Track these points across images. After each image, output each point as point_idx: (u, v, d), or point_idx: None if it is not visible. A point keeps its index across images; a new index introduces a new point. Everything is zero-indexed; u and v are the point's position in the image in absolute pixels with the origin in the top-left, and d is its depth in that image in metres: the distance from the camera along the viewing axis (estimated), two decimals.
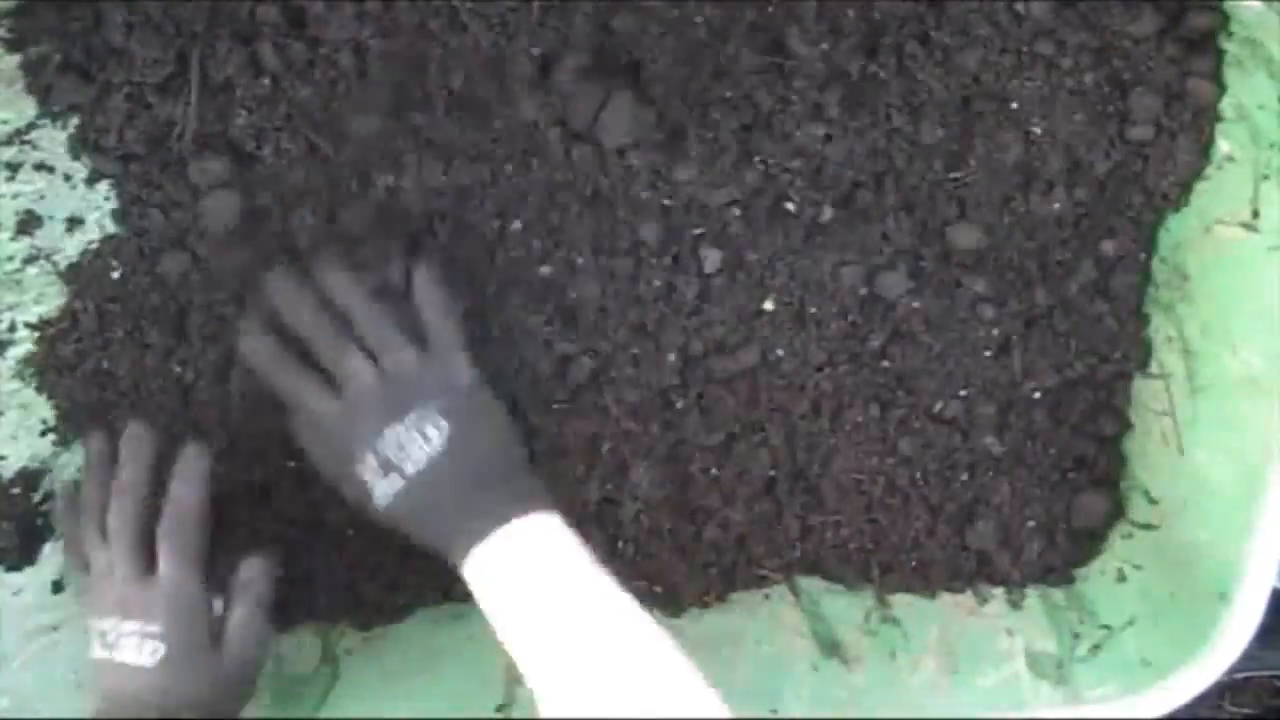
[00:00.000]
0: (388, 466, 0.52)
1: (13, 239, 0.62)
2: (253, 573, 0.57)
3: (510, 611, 0.50)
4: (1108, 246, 0.62)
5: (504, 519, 0.51)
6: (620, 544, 0.66)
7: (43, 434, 0.64)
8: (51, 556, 0.64)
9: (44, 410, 0.64)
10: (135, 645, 0.53)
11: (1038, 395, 0.64)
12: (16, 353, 0.63)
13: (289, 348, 0.55)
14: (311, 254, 0.57)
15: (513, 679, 0.64)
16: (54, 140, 0.61)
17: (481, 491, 0.52)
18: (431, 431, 0.52)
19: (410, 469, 0.51)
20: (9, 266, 0.62)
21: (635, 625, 0.49)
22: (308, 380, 0.54)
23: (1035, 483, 0.65)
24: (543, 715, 0.48)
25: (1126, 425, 0.65)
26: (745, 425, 0.64)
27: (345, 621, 0.67)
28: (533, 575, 0.50)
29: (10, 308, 0.63)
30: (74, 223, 0.62)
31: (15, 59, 0.59)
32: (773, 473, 0.65)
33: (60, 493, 0.61)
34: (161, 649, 0.53)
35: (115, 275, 0.62)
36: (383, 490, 0.52)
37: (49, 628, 0.64)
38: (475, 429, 0.53)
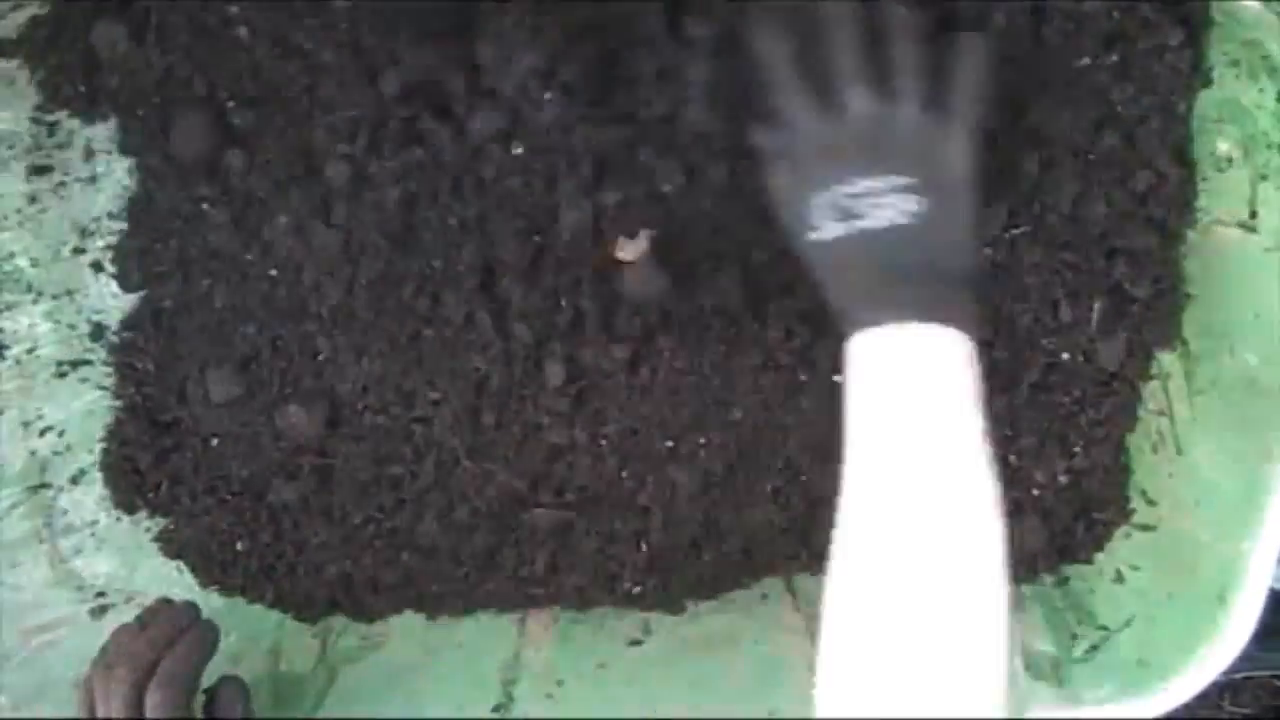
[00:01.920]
0: (845, 213, 0.48)
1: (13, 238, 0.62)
2: (230, 699, 0.57)
3: (870, 411, 0.47)
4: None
5: (918, 317, 0.46)
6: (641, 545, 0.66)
7: (42, 434, 0.65)
8: (51, 556, 0.65)
9: (44, 410, 0.64)
10: None
11: (1034, 395, 0.64)
12: (16, 352, 0.64)
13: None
14: None
15: (508, 679, 0.64)
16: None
17: (915, 283, 0.47)
18: (908, 204, 0.47)
19: (866, 224, 0.47)
20: (9, 266, 0.62)
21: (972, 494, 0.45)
22: (806, 88, 0.49)
23: (1034, 484, 0.65)
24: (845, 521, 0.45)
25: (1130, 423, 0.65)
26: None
27: (338, 614, 0.67)
28: (909, 389, 0.46)
29: (10, 307, 0.63)
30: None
31: (14, 60, 0.59)
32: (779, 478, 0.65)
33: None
34: None
35: None
36: (829, 230, 0.48)
37: (48, 626, 0.64)
38: (947, 226, 0.48)
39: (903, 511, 0.45)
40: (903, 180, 0.48)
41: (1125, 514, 0.64)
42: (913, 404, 0.46)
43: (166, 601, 0.59)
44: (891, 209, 0.47)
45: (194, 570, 0.68)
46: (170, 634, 0.56)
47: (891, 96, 0.49)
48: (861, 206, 0.48)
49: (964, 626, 0.43)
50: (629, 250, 0.60)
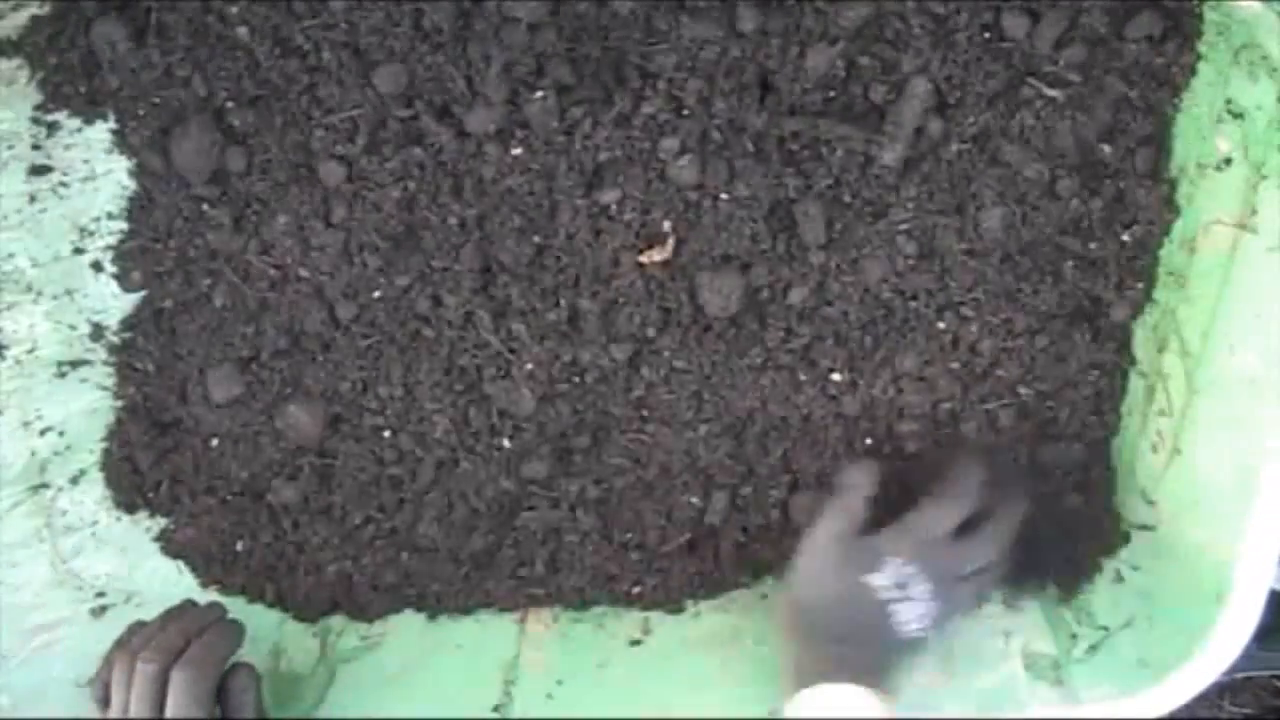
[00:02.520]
0: (900, 587, 0.57)
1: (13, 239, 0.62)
2: (241, 686, 0.58)
3: None
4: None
5: (871, 685, 0.55)
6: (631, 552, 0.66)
7: (42, 434, 0.65)
8: (51, 556, 0.65)
9: (44, 410, 0.64)
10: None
11: (1032, 395, 0.64)
12: (16, 352, 0.64)
13: None
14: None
15: (508, 679, 0.64)
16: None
17: (888, 661, 0.57)
18: (925, 624, 0.57)
19: (899, 607, 0.57)
20: (9, 265, 0.62)
21: None
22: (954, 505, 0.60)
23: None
24: None
25: (1116, 428, 0.65)
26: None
27: (339, 613, 0.67)
28: None
29: (10, 307, 0.63)
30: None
31: (14, 61, 0.59)
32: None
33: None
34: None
35: None
36: (878, 585, 0.57)
37: (48, 626, 0.64)
38: (916, 650, 0.58)
39: None
40: (936, 613, 0.58)
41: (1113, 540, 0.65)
42: None
43: (191, 603, 0.60)
44: (915, 619, 0.57)
45: (194, 570, 0.68)
46: (197, 627, 0.57)
47: (981, 550, 0.59)
48: (911, 595, 0.57)
49: None
50: (657, 252, 0.60)
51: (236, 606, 0.67)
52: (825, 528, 0.59)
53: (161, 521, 0.67)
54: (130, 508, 0.67)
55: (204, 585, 0.68)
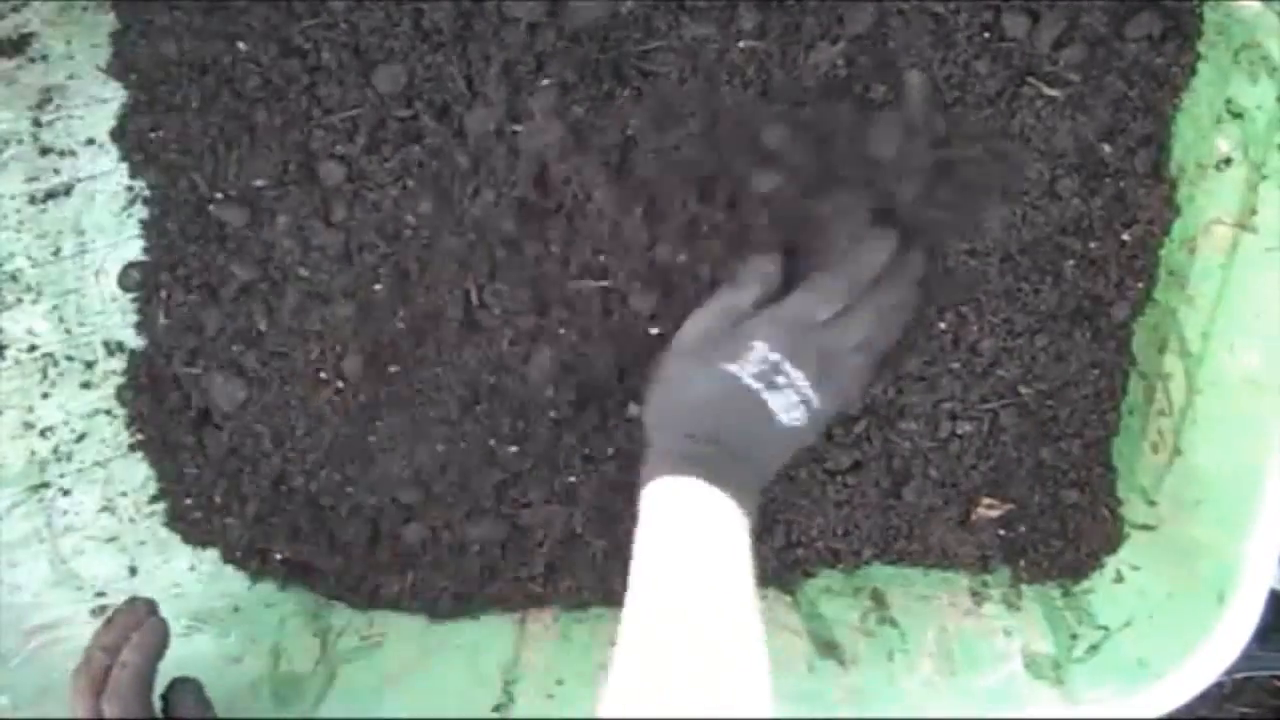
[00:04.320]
0: (766, 378, 0.53)
1: (14, 238, 0.62)
2: (183, 699, 0.58)
3: (653, 548, 0.51)
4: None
5: (724, 486, 0.52)
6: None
7: (43, 434, 0.65)
8: (51, 555, 0.65)
9: (44, 410, 0.64)
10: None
11: (1032, 395, 0.64)
12: (16, 353, 0.64)
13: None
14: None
15: (509, 679, 0.64)
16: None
17: (746, 462, 0.53)
18: (799, 415, 0.54)
19: (767, 398, 0.53)
20: (9, 266, 0.62)
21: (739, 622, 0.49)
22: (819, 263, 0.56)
23: (1030, 486, 0.65)
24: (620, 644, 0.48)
25: (1116, 428, 0.65)
26: None
27: (341, 601, 0.67)
28: (691, 537, 0.51)
29: (10, 307, 0.63)
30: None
31: (13, 61, 0.59)
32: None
33: None
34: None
35: None
36: (744, 376, 0.53)
37: (49, 626, 0.64)
38: (795, 443, 0.55)
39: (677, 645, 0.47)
40: (814, 398, 0.54)
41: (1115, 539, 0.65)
42: (699, 557, 0.50)
43: (132, 601, 0.59)
44: (788, 409, 0.53)
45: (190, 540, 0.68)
46: (123, 636, 0.57)
47: (859, 328, 0.56)
48: (778, 384, 0.53)
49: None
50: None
51: (238, 607, 0.67)
52: (700, 316, 0.56)
53: (161, 521, 0.68)
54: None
55: (227, 560, 0.68)
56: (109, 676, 0.55)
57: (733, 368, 0.53)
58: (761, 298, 0.56)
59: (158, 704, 0.57)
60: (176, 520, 0.67)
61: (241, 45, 0.59)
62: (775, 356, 0.53)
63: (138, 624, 0.57)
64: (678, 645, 0.47)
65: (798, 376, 0.53)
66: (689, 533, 0.51)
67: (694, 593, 0.49)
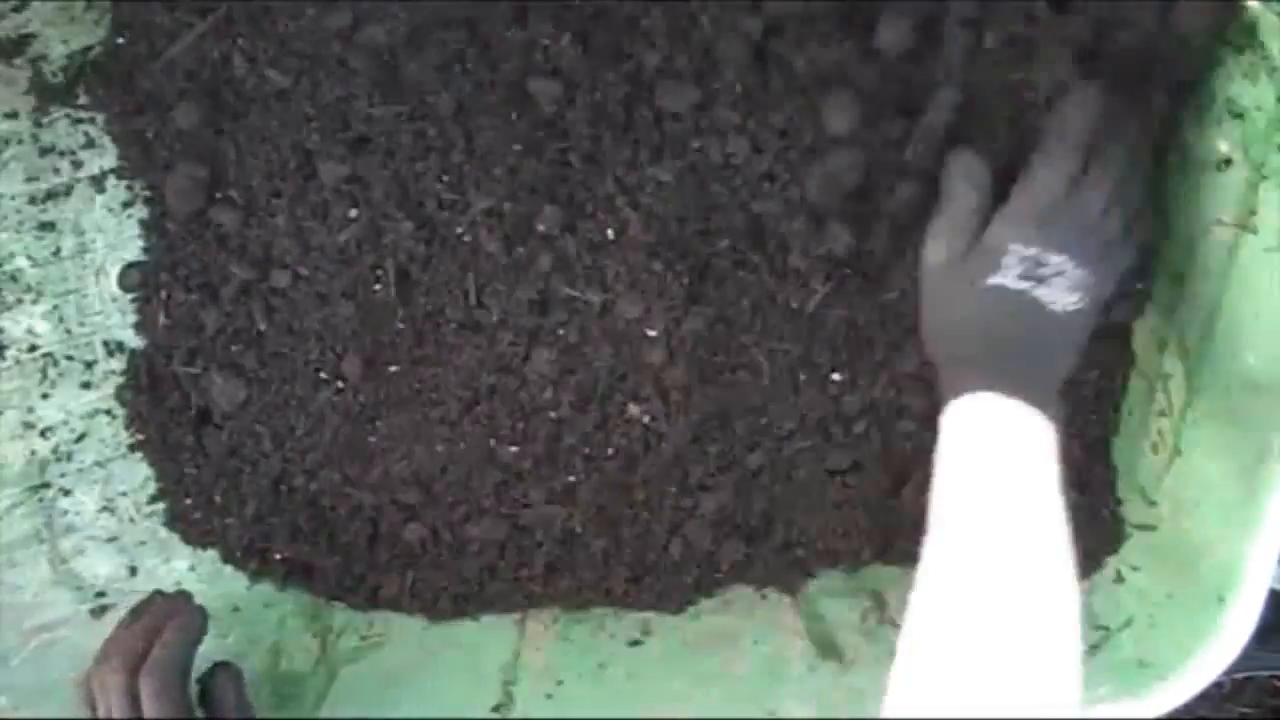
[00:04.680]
0: (1031, 275, 0.52)
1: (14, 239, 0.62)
2: (223, 685, 0.58)
3: (959, 470, 0.51)
4: None
5: (1025, 398, 0.51)
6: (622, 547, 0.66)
7: (43, 434, 0.65)
8: (51, 556, 0.65)
9: (44, 410, 0.64)
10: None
11: None
12: (16, 353, 0.64)
13: None
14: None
15: (508, 680, 0.64)
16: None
17: (1038, 366, 0.52)
18: (1077, 298, 0.52)
19: (1040, 293, 0.52)
20: (9, 266, 0.63)
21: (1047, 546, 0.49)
22: (1067, 157, 0.53)
23: None
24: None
25: (1118, 428, 0.65)
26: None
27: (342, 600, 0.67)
28: (998, 456, 0.50)
29: (10, 307, 0.63)
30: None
31: (14, 61, 0.59)
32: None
33: None
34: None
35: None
36: (1011, 280, 0.52)
37: (49, 626, 0.64)
38: (1083, 329, 0.53)
39: (981, 568, 0.48)
40: (1086, 276, 0.52)
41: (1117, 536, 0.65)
42: (1002, 472, 0.50)
43: (159, 593, 0.60)
44: (1065, 294, 0.52)
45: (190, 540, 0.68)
46: (159, 623, 0.57)
47: (1100, 188, 0.53)
48: (1046, 275, 0.52)
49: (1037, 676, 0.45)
50: None
51: (238, 607, 0.67)
52: (937, 233, 0.54)
53: (162, 521, 0.67)
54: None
55: (226, 560, 0.68)
56: (146, 656, 0.55)
57: (994, 279, 0.52)
58: (984, 197, 0.54)
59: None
60: (176, 520, 0.67)
61: (241, 43, 0.59)
62: (1032, 251, 0.51)
63: (176, 610, 0.58)
64: (991, 565, 0.47)
65: (1061, 261, 0.51)
66: (996, 450, 0.50)
67: (1008, 513, 0.48)
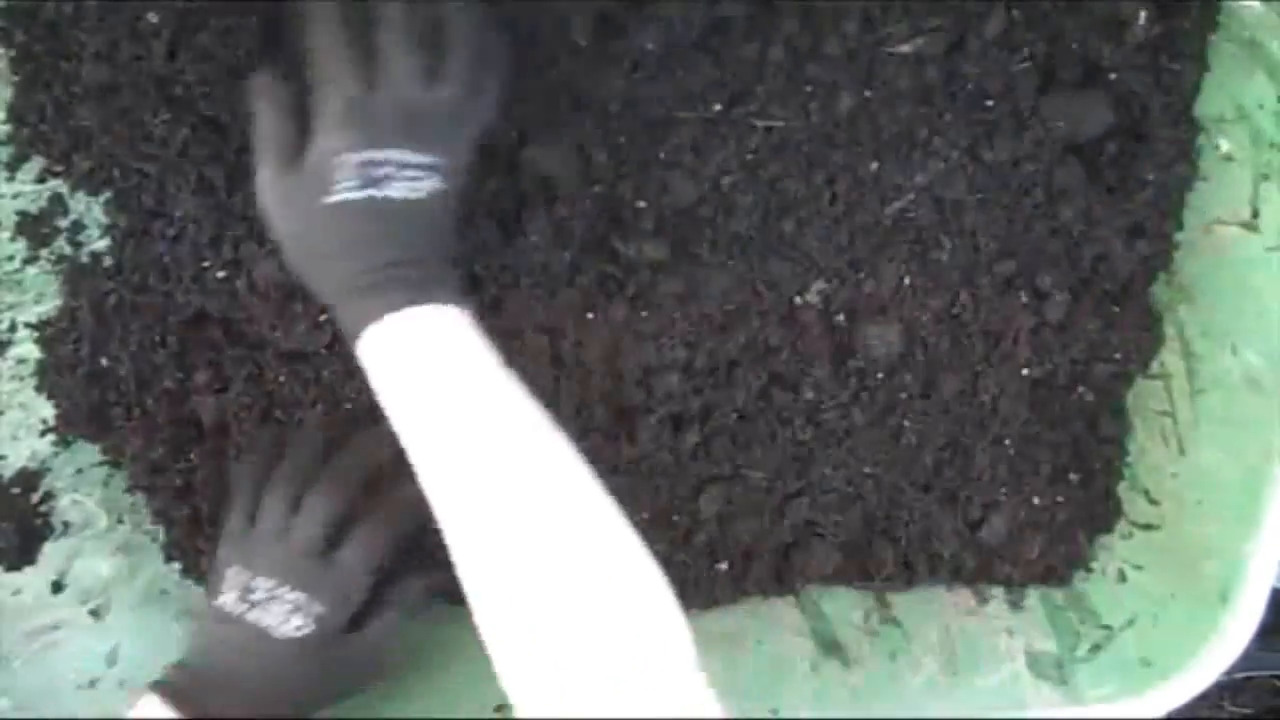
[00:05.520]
0: (367, 179, 0.48)
1: (12, 239, 0.62)
2: (417, 591, 0.58)
3: (402, 400, 0.47)
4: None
5: (419, 300, 0.48)
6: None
7: (42, 434, 0.64)
8: (51, 556, 0.65)
9: (44, 410, 0.64)
10: (286, 614, 0.52)
11: (1039, 394, 0.64)
12: (17, 352, 0.63)
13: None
14: None
15: None
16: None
17: (418, 263, 0.49)
18: (427, 182, 0.49)
19: (385, 193, 0.48)
20: (9, 266, 0.62)
21: (536, 433, 0.46)
22: (353, 56, 0.49)
23: (1035, 483, 0.65)
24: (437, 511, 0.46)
25: (1127, 426, 0.65)
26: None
27: None
28: (430, 369, 0.47)
29: (10, 307, 0.63)
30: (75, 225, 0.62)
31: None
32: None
33: (256, 443, 0.60)
34: (311, 628, 0.52)
35: (113, 275, 0.62)
36: (348, 194, 0.48)
37: (49, 627, 0.64)
38: (451, 208, 0.50)
39: (499, 503, 0.45)
40: (428, 159, 0.49)
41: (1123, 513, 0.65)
42: (448, 384, 0.47)
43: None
44: (410, 183, 0.48)
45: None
46: (375, 465, 0.56)
47: (432, 76, 0.50)
48: (383, 175, 0.48)
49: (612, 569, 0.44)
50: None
51: None
52: (259, 182, 0.50)
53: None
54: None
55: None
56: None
57: (335, 198, 0.47)
58: (290, 113, 0.50)
59: None
60: (173, 547, 0.67)
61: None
62: (364, 155, 0.47)
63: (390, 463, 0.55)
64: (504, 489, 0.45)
65: (397, 154, 0.47)
66: (445, 368, 0.47)
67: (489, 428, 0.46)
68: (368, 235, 0.48)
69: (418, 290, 0.48)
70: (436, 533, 0.47)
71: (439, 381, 0.47)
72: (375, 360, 0.48)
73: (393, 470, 0.55)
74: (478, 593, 0.45)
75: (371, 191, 0.47)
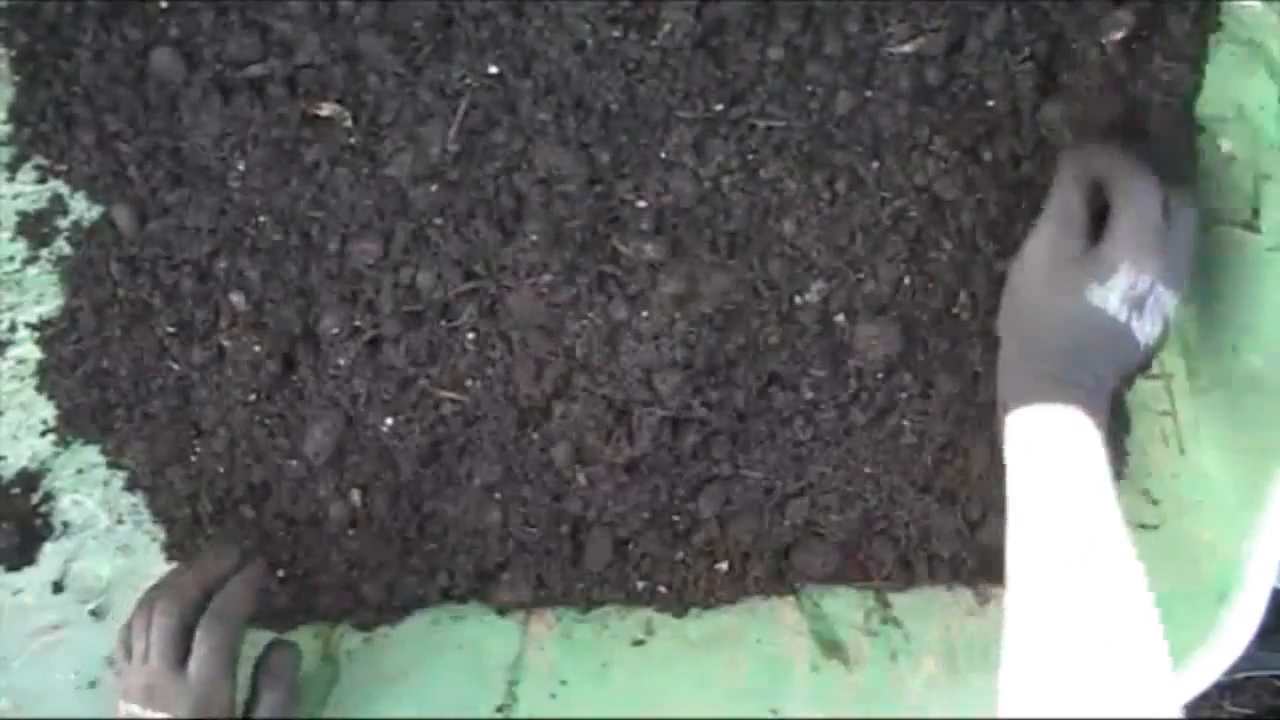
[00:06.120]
0: (1133, 302, 0.52)
1: (12, 239, 0.62)
2: (283, 661, 0.58)
3: (1033, 482, 0.52)
4: None
5: (1081, 405, 0.52)
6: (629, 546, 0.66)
7: (43, 434, 0.64)
8: (52, 557, 0.65)
9: (44, 410, 0.64)
10: None
11: None
12: (17, 352, 0.63)
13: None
14: None
15: (512, 679, 0.64)
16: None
17: (1104, 375, 0.53)
18: (1164, 318, 0.53)
19: (1136, 322, 0.52)
20: (9, 267, 0.62)
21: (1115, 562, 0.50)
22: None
23: None
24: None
25: (1127, 426, 0.65)
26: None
27: (346, 621, 0.67)
28: (1066, 467, 0.52)
29: (10, 308, 0.63)
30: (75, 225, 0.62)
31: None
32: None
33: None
34: None
35: (113, 275, 0.62)
36: (1110, 305, 0.52)
37: (49, 628, 0.64)
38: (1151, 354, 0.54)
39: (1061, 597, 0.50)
40: (1176, 300, 0.53)
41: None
42: (1067, 482, 0.52)
43: (216, 541, 0.60)
44: (1152, 325, 0.52)
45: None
46: (219, 572, 0.57)
47: (1187, 213, 0.54)
48: (1145, 305, 0.52)
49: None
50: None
51: None
52: (1035, 248, 0.54)
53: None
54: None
55: None
56: (201, 606, 0.55)
57: (1098, 299, 0.52)
58: (1091, 197, 0.54)
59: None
60: (173, 548, 0.67)
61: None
62: (1141, 278, 0.52)
63: (237, 562, 0.58)
64: (1072, 573, 0.50)
65: (1160, 291, 0.52)
66: (1069, 468, 0.51)
67: (1082, 528, 0.51)
68: (1092, 345, 0.52)
69: (1086, 400, 0.52)
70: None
71: (1076, 485, 0.51)
72: (1025, 436, 0.53)
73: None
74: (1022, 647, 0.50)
75: (1129, 316, 0.52)
